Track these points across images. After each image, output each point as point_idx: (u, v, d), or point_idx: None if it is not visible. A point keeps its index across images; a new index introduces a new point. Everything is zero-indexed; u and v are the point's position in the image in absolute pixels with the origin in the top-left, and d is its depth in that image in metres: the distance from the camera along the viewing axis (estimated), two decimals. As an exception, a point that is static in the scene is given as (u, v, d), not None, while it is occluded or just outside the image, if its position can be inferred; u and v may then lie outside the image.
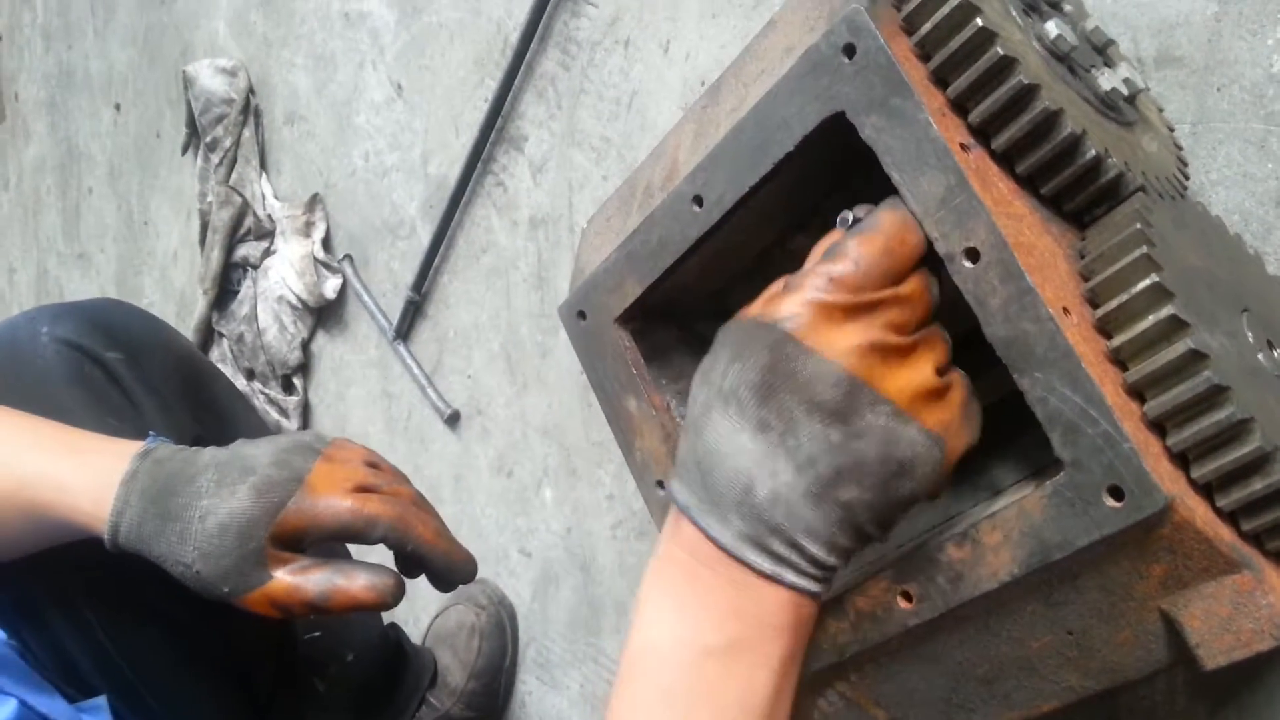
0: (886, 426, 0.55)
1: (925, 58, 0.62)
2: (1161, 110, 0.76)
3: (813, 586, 0.56)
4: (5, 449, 0.80)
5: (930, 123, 0.59)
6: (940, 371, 0.58)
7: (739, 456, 0.55)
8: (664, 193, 0.76)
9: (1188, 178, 0.72)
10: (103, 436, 0.83)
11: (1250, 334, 0.60)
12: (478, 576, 1.48)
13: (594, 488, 1.30)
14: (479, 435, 1.49)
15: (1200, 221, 0.67)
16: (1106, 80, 0.67)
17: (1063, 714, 0.83)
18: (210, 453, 0.80)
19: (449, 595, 1.48)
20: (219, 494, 0.76)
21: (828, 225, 0.64)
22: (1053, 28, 0.65)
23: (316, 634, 1.13)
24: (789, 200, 0.74)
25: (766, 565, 0.55)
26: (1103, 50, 0.73)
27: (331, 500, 0.77)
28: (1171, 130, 0.74)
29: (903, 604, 0.63)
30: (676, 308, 0.81)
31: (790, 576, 0.55)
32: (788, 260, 0.81)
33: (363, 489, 0.79)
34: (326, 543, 0.79)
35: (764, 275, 0.82)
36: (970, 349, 0.60)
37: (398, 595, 0.78)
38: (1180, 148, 0.73)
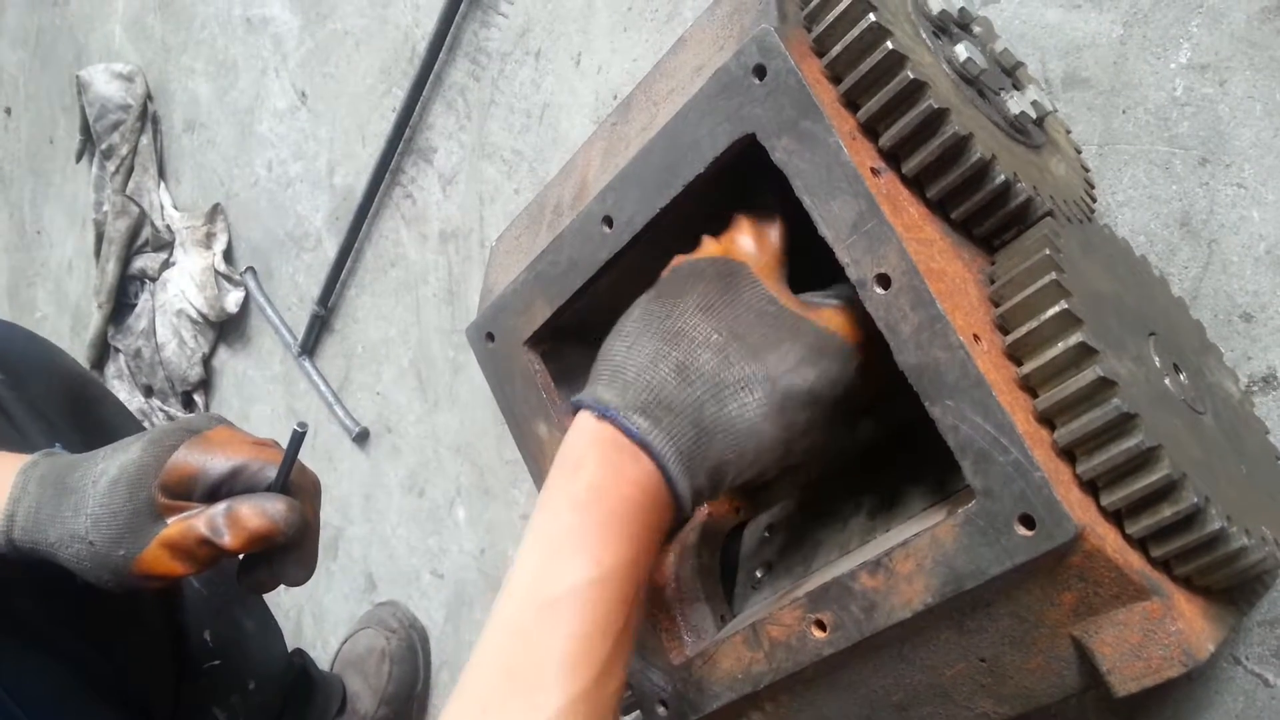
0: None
1: (835, 79, 0.61)
2: (1069, 132, 0.77)
3: (614, 411, 0.59)
4: None
5: (841, 147, 0.58)
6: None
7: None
8: (574, 212, 0.75)
9: (1095, 200, 0.72)
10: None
11: (1157, 359, 0.60)
12: (388, 599, 1.45)
13: (509, 507, 1.27)
14: (389, 453, 1.45)
15: (1107, 244, 0.67)
16: (1015, 104, 0.67)
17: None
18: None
19: (359, 619, 1.44)
20: (113, 456, 0.74)
21: None
22: (962, 50, 0.64)
23: (217, 662, 1.09)
24: (701, 215, 0.73)
25: (584, 395, 0.62)
26: (1011, 72, 0.73)
27: (229, 446, 0.74)
28: (1079, 152, 0.75)
29: (816, 633, 0.62)
30: (587, 329, 0.79)
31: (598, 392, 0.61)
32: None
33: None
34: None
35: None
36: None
37: (291, 522, 0.73)
38: (1088, 170, 0.74)
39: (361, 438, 1.47)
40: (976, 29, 0.72)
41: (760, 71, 0.60)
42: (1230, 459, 0.60)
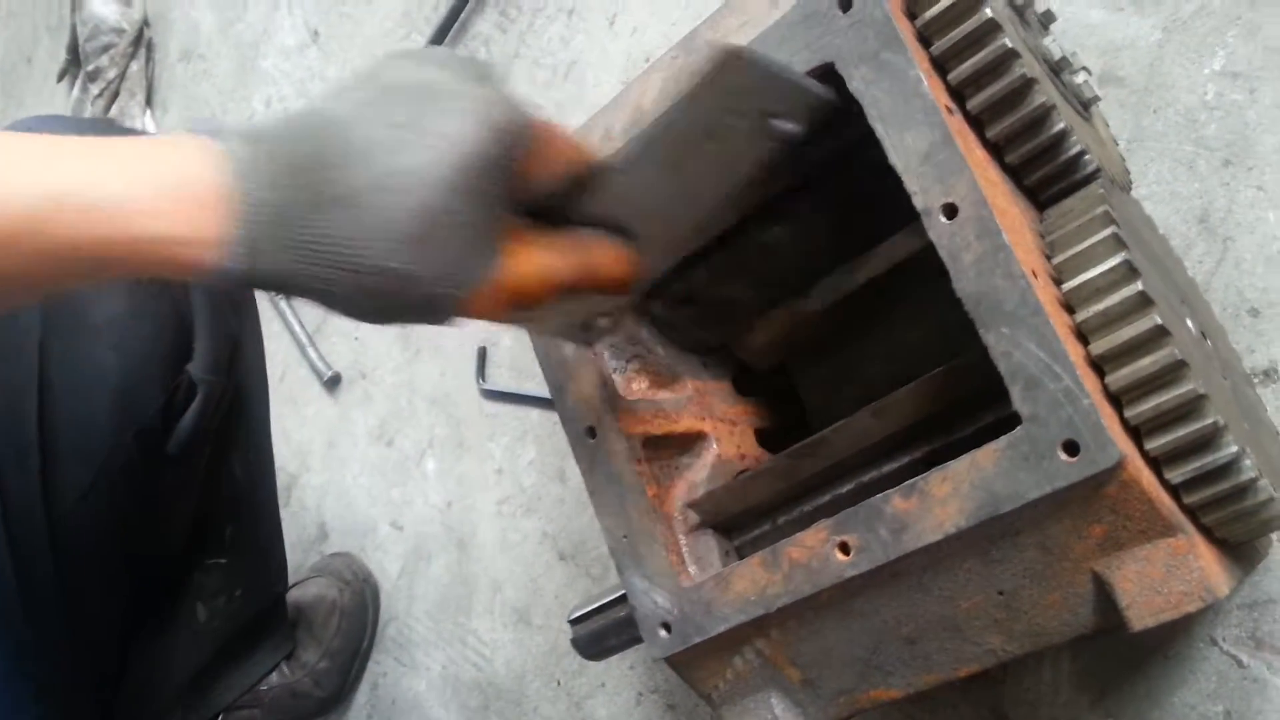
0: None
1: (912, 16, 0.63)
2: (1108, 125, 0.80)
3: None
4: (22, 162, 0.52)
5: (922, 79, 0.60)
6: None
7: None
8: (626, 137, 0.75)
9: (1131, 184, 0.75)
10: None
11: (1191, 323, 0.63)
12: (343, 550, 1.43)
13: (482, 461, 1.26)
14: (360, 400, 1.43)
15: (1139, 215, 0.70)
16: (1055, 49, 0.70)
17: (953, 699, 0.84)
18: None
19: (311, 564, 1.42)
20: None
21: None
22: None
23: (223, 561, 1.06)
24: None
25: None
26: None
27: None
28: (1117, 144, 0.78)
29: (839, 555, 0.63)
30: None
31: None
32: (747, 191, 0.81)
33: None
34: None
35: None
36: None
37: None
38: (1124, 159, 0.77)
39: (332, 383, 1.45)
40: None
41: (846, 4, 0.62)
42: (1251, 423, 0.63)
